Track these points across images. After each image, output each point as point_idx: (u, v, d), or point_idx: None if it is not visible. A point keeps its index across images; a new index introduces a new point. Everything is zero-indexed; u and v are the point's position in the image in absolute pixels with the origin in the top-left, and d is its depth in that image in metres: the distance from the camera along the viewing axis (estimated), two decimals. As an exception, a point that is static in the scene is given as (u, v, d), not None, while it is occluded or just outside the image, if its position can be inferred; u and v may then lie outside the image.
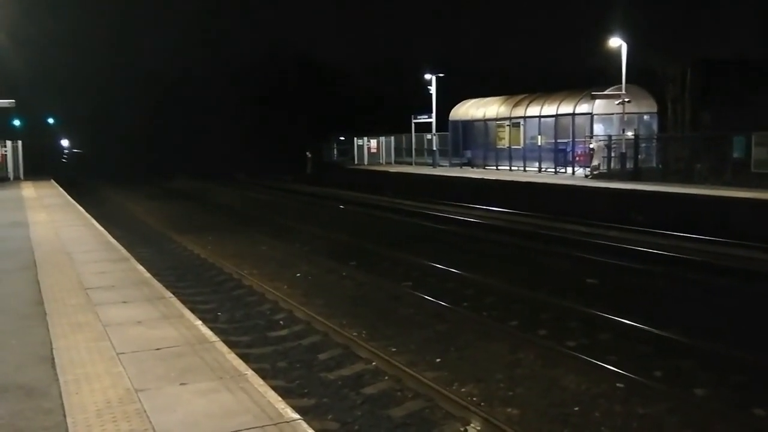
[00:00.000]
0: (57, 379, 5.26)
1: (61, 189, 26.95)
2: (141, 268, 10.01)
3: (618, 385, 7.63)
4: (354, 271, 14.13)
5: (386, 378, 7.89)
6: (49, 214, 17.39)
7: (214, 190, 37.69)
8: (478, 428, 6.52)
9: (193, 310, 7.90)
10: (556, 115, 30.88)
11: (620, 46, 26.61)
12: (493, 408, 7.12)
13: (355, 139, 45.74)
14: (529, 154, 32.12)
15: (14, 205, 19.97)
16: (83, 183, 40.67)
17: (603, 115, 29.44)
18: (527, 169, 31.55)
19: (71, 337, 6.37)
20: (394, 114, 42.19)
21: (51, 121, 68.67)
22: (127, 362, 5.64)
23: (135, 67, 62.49)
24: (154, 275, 9.76)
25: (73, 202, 21.20)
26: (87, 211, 18.49)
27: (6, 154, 32.21)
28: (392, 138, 43.41)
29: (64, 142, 73.63)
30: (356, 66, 54.41)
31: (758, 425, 6.80)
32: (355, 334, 9.59)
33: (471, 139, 36.87)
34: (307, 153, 47.56)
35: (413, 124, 39.92)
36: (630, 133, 27.07)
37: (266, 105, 56.62)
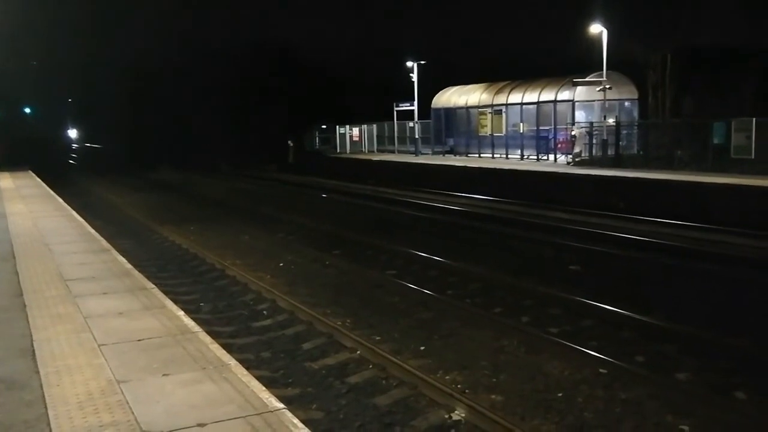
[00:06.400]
0: (38, 371, 5.20)
1: (39, 179, 26.62)
2: (122, 259, 9.92)
3: (601, 370, 7.69)
4: (337, 260, 14.11)
5: (371, 366, 7.89)
6: (27, 205, 17.17)
7: (197, 180, 37.43)
8: (463, 415, 6.54)
9: (175, 301, 7.85)
10: (538, 102, 30.93)
11: (601, 33, 26.70)
12: (477, 395, 7.14)
13: (337, 127, 45.46)
14: (512, 141, 32.14)
15: (-8, 196, 19.70)
16: (62, 173, 40.17)
17: (584, 102, 29.55)
18: (509, 156, 31.59)
19: (52, 329, 6.30)
20: (376, 102, 41.95)
21: (28, 110, 67.57)
22: (109, 354, 5.59)
23: (116, 58, 61.79)
24: (136, 266, 9.68)
25: (52, 193, 20.95)
26: (66, 202, 18.28)
27: None
28: (374, 126, 43.18)
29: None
30: (338, 54, 54.06)
31: (739, 408, 6.88)
32: (339, 323, 9.58)
33: (453, 127, 36.84)
34: (289, 142, 47.28)
35: (395, 112, 39.76)
36: (611, 120, 27.20)
37: (247, 94, 56.19)
